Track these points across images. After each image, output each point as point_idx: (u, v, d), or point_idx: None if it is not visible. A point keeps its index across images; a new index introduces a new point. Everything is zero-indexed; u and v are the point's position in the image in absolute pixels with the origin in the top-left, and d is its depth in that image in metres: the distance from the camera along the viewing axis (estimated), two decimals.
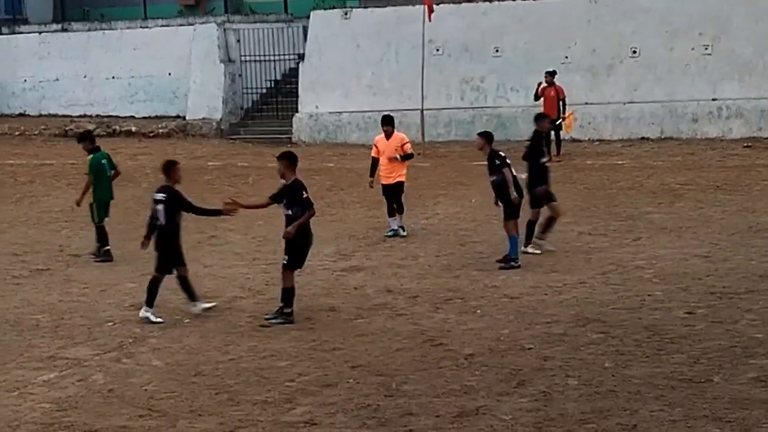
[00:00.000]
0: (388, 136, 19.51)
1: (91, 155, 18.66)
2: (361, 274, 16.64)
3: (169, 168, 14.53)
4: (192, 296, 14.53)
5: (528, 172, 17.51)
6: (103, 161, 18.72)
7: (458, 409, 10.57)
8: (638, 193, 23.12)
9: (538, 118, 18.39)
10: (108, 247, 18.45)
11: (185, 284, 14.49)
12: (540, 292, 15.11)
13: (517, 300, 14.73)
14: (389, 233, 19.40)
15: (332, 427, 10.32)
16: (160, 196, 14.24)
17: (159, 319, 14.22)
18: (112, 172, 18.81)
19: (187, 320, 14.34)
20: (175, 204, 14.23)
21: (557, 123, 28.18)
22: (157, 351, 13.03)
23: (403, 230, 19.42)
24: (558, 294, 14.95)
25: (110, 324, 14.30)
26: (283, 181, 14.05)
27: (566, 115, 28.36)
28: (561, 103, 28.44)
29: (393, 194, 19.45)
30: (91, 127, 37.26)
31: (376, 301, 14.95)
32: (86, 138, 19.28)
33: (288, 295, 13.99)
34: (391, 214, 19.56)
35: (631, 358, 11.97)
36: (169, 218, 14.17)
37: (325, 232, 19.58)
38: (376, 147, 19.64)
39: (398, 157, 19.31)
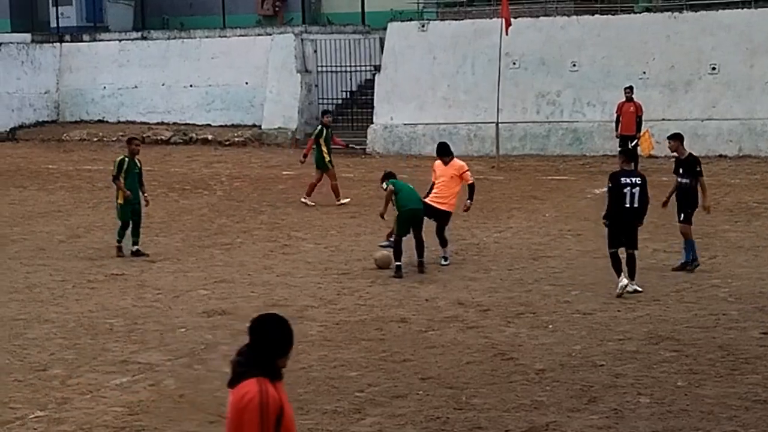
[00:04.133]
0: (446, 163, 18.25)
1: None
2: (433, 286, 16.60)
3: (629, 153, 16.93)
4: (631, 274, 15.81)
5: None
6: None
7: (528, 425, 10.51)
8: (715, 211, 22.69)
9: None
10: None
11: (631, 263, 15.90)
12: (613, 308, 14.98)
13: (589, 316, 14.62)
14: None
15: None
16: (637, 179, 15.90)
17: (640, 289, 15.84)
18: None
19: None
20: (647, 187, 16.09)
21: (634, 141, 27.94)
22: (228, 358, 13.05)
23: (445, 260, 18.08)
24: (631, 311, 14.81)
25: (182, 330, 14.40)
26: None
27: (641, 134, 28.05)
28: (638, 120, 28.19)
29: (438, 220, 18.09)
30: (168, 134, 37.81)
31: (448, 314, 14.92)
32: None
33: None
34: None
35: (704, 378, 11.82)
36: (642, 200, 15.89)
37: None
38: (435, 172, 18.37)
39: None
